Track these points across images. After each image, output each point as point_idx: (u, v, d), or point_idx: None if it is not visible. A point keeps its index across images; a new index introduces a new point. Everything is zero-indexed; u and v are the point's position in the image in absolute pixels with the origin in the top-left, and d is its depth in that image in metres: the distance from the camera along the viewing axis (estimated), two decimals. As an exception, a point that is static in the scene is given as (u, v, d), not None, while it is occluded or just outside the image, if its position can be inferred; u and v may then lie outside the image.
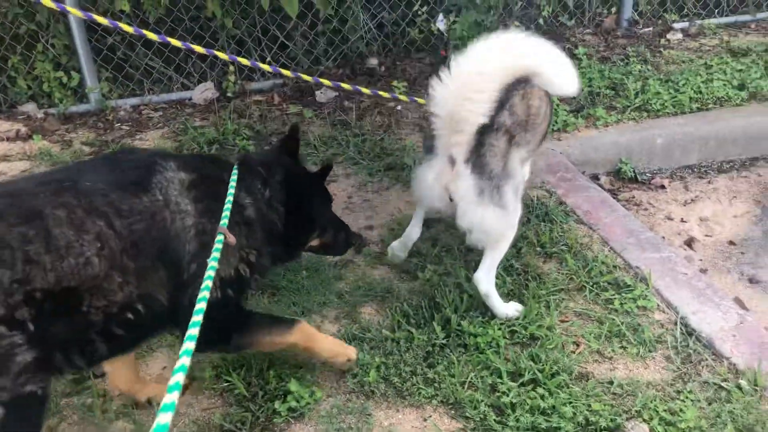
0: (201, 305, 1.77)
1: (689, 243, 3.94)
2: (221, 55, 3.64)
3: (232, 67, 5.43)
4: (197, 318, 1.71)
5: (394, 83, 5.29)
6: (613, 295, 3.09)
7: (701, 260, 3.82)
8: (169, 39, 3.33)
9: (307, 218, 2.66)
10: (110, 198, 2.03)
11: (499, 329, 2.85)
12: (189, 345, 1.58)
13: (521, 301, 3.01)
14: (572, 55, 5.64)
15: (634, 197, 4.40)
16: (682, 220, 4.16)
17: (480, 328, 2.85)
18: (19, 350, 1.80)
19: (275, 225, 2.48)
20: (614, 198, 4.34)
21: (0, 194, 1.98)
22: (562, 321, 2.98)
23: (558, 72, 2.82)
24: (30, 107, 5.18)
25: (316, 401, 2.57)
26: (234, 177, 2.36)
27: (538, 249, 3.42)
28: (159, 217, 2.11)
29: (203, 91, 5.38)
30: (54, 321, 1.89)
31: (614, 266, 3.29)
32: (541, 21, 5.77)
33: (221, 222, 2.18)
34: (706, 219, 4.17)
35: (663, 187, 4.50)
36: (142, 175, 2.16)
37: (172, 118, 5.15)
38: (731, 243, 3.95)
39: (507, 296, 3.04)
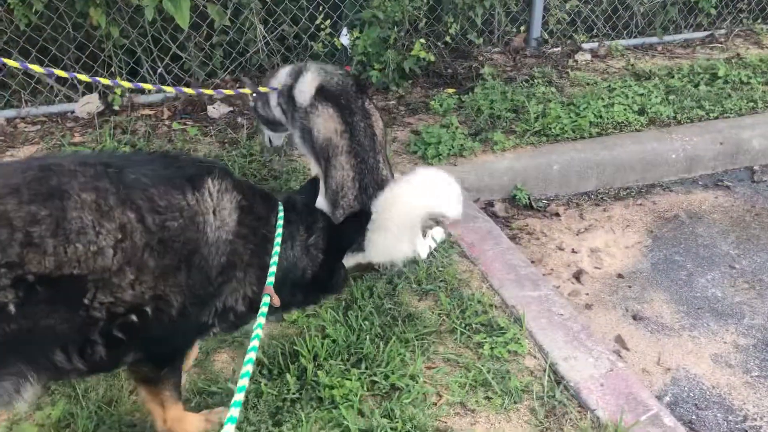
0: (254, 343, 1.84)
1: (578, 276, 3.85)
2: (60, 73, 3.33)
3: (119, 79, 5.11)
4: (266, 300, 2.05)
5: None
6: (485, 338, 2.94)
7: (587, 294, 3.72)
8: (5, 60, 2.99)
9: (337, 266, 2.64)
10: (150, 192, 1.96)
11: (359, 379, 2.66)
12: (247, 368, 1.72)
13: (386, 344, 2.83)
14: (477, 75, 5.54)
15: (527, 225, 4.30)
16: (573, 251, 4.07)
17: (338, 378, 2.65)
18: None
19: (306, 271, 2.46)
20: (507, 226, 4.24)
21: (33, 167, 1.90)
22: (428, 368, 2.81)
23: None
24: None
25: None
26: (281, 219, 2.34)
27: (414, 286, 3.25)
28: (200, 219, 2.04)
29: (86, 104, 5.04)
30: (48, 310, 1.78)
31: (490, 305, 3.15)
32: (448, 39, 5.64)
33: (268, 280, 2.16)
34: (597, 250, 4.09)
35: (558, 215, 4.41)
36: (197, 175, 2.10)
37: (49, 132, 4.79)
38: (620, 276, 3.87)
39: (373, 341, 2.85)
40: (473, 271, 3.41)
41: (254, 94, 3.76)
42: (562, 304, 3.18)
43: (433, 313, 3.09)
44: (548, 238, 4.18)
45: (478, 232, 3.71)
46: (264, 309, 2.05)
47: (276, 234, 2.28)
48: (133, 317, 1.92)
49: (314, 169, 3.59)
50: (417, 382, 2.69)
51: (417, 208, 3.19)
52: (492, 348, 2.89)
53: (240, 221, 2.17)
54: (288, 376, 2.64)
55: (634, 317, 3.55)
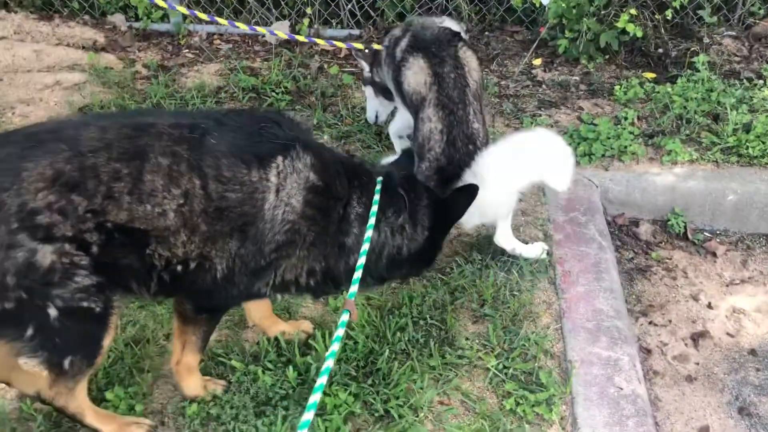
0: (338, 335, 1.96)
1: (697, 338, 3.24)
2: None
3: (309, 9, 5.22)
4: (344, 318, 2.02)
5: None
6: (516, 389, 2.63)
7: (697, 364, 3.12)
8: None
9: (442, 240, 2.64)
10: (220, 162, 2.09)
11: (356, 394, 2.56)
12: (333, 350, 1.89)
13: (402, 364, 2.67)
14: (690, 63, 4.70)
15: (670, 259, 3.67)
16: (709, 306, 3.41)
17: (337, 386, 2.57)
18: (80, 268, 1.98)
19: (410, 248, 2.48)
20: (646, 254, 3.68)
21: (129, 124, 2.10)
22: (441, 403, 2.61)
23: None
24: (118, 18, 5.39)
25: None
26: (376, 196, 2.34)
27: (475, 305, 2.99)
28: (259, 195, 2.13)
29: (276, 30, 5.24)
30: (120, 251, 2.04)
31: (545, 352, 2.79)
32: (670, 13, 4.81)
33: (349, 292, 2.14)
34: (741, 311, 3.39)
35: (714, 254, 3.70)
36: (268, 152, 2.16)
37: (237, 53, 5.10)
38: (752, 352, 3.18)
39: (393, 357, 2.71)
40: (551, 304, 3.03)
41: (371, 63, 3.60)
42: (630, 376, 2.71)
43: (476, 342, 2.83)
44: (687, 282, 3.55)
45: (583, 260, 3.26)
46: (344, 318, 2.03)
47: (370, 213, 2.30)
48: (179, 268, 2.13)
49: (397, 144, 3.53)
50: (417, 417, 2.52)
51: (515, 173, 2.97)
52: (518, 403, 2.58)
53: (307, 202, 2.19)
54: (290, 369, 2.63)
55: (741, 410, 2.92)
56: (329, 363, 1.85)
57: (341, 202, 2.30)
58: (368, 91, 3.95)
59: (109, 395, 2.52)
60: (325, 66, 4.89)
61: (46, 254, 1.92)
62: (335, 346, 1.91)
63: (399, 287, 3.04)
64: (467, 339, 2.84)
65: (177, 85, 4.64)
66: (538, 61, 4.83)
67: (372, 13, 5.23)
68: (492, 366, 2.72)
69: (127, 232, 2.02)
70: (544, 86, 4.62)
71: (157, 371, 2.66)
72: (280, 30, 5.18)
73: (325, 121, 4.27)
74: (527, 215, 3.56)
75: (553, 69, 4.80)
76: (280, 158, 2.17)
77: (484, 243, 3.33)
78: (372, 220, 2.29)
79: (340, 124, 4.24)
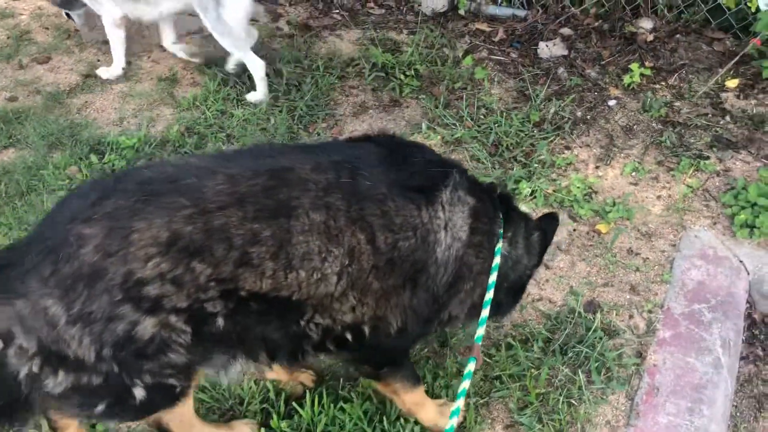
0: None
1: None
2: None
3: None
4: (470, 367, 1.78)
5: (634, 67, 3.88)
6: None
7: None
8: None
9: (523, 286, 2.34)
10: (386, 206, 1.80)
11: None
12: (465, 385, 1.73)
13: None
14: None
15: (827, 392, 2.72)
16: None
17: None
18: (180, 344, 1.67)
19: (525, 272, 2.27)
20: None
21: (263, 171, 1.73)
22: None
23: None
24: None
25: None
26: (501, 221, 2.10)
27: (513, 405, 2.40)
28: (432, 238, 1.86)
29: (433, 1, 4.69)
30: (259, 320, 1.75)
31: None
32: None
33: (477, 335, 1.90)
34: None
35: None
36: (432, 184, 1.90)
37: (386, 20, 4.65)
38: None
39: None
40: (617, 430, 2.34)
41: None
42: None
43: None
44: (841, 432, 2.60)
45: (684, 375, 2.48)
46: (470, 368, 1.79)
47: (498, 236, 2.05)
48: (348, 335, 1.86)
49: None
50: None
51: None
52: None
53: (473, 230, 1.95)
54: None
55: None
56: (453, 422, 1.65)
57: (493, 221, 2.06)
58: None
59: None
60: (474, 51, 4.28)
61: (147, 327, 1.60)
62: (460, 402, 1.69)
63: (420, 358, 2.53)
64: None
65: (310, 50, 4.33)
66: (732, 83, 3.81)
67: (544, -6, 4.46)
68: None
69: (269, 302, 1.69)
70: (729, 117, 3.63)
71: None
72: (437, 1, 4.64)
73: (442, 119, 3.72)
74: (636, 293, 2.81)
75: (750, 96, 3.76)
76: (444, 190, 1.90)
77: (562, 318, 2.68)
78: (500, 244, 2.04)
79: (457, 125, 3.67)
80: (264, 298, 1.67)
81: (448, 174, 1.94)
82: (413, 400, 2.21)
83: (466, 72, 4.03)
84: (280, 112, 3.78)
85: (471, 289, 2.03)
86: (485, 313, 1.94)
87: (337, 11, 4.80)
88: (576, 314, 2.68)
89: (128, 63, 4.20)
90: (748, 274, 2.88)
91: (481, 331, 1.90)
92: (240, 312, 1.68)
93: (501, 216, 2.10)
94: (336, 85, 4.04)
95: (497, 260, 2.02)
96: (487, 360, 2.53)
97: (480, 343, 1.89)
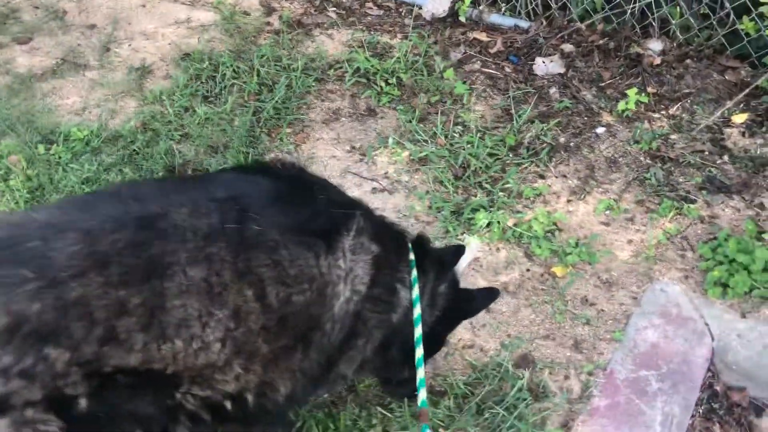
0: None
1: None
2: None
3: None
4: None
5: (631, 93, 3.53)
6: None
7: None
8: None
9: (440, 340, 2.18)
10: (279, 255, 1.55)
11: None
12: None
13: None
14: None
15: (789, 486, 2.37)
16: None
17: None
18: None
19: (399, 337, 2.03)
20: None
21: (129, 222, 1.46)
22: None
23: None
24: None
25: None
26: (413, 268, 1.87)
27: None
28: (330, 291, 1.64)
29: (434, 4, 4.41)
30: (128, 395, 1.49)
31: None
32: None
33: (420, 400, 1.69)
34: None
35: None
36: (334, 228, 1.68)
37: (382, 23, 4.40)
38: None
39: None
40: None
41: None
42: None
43: None
44: None
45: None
46: None
47: (411, 284, 1.84)
48: (228, 405, 1.62)
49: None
50: None
51: None
52: None
53: (374, 280, 1.73)
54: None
55: None
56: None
57: (395, 270, 1.85)
58: None
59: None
60: (467, 62, 4.00)
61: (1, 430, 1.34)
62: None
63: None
64: None
65: (295, 49, 4.12)
66: (740, 117, 3.43)
67: (551, 4, 4.13)
68: None
69: (140, 375, 1.44)
70: (728, 157, 3.26)
71: None
72: (437, 4, 4.37)
73: (414, 134, 3.46)
74: (579, 350, 2.51)
75: (757, 135, 3.37)
76: (345, 234, 1.68)
77: (488, 372, 2.40)
78: (416, 291, 1.83)
79: (428, 142, 3.41)
80: (133, 372, 1.43)
81: (352, 217, 1.73)
82: None
83: (449, 85, 3.75)
84: (246, 113, 3.58)
85: (363, 346, 1.84)
86: (421, 373, 1.75)
87: (335, 8, 4.57)
88: (503, 369, 2.40)
89: (107, 50, 4.08)
90: (713, 339, 2.55)
91: (423, 395, 1.70)
92: (106, 388, 1.42)
93: (411, 263, 1.89)
94: (312, 89, 3.82)
95: (417, 311, 1.83)
96: (388, 414, 2.28)
97: (427, 409, 1.71)
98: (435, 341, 2.09)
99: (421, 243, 2.04)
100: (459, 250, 2.16)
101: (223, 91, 3.75)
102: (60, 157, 3.29)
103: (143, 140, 3.40)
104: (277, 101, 3.65)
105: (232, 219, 1.53)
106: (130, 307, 1.38)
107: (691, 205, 3.01)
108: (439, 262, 2.05)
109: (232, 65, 3.85)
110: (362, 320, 1.75)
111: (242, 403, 1.64)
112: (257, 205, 1.60)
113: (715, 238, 2.83)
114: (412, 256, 1.92)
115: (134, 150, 3.36)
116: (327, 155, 3.43)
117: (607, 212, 3.04)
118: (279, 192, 1.68)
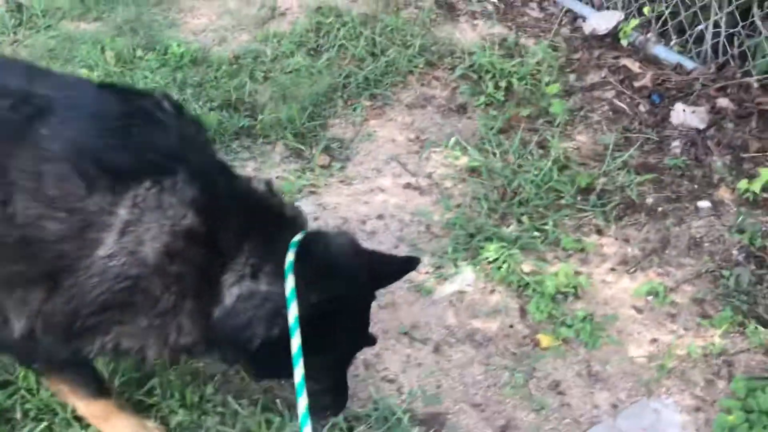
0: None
1: None
2: None
3: (647, 9, 3.68)
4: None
5: (764, 172, 2.77)
6: None
7: None
8: None
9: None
10: (45, 168, 1.41)
11: None
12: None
13: None
14: None
15: None
16: None
17: None
18: None
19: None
20: None
21: None
22: None
23: None
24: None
25: None
26: (289, 264, 1.59)
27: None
28: (92, 236, 1.43)
29: (598, 20, 3.87)
30: None
31: None
32: None
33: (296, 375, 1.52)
34: None
35: None
36: (131, 168, 1.46)
37: (532, 26, 3.97)
38: None
39: None
40: None
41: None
42: None
43: None
44: None
45: None
46: None
47: (288, 292, 1.55)
48: None
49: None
50: None
51: None
52: None
53: (170, 252, 1.47)
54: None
55: None
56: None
57: (227, 258, 1.56)
58: None
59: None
60: (599, 88, 3.46)
61: None
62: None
63: None
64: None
65: (426, 28, 3.86)
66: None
67: (729, 49, 3.39)
68: None
69: None
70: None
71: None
72: (602, 20, 3.83)
73: (486, 142, 3.06)
74: (505, 436, 2.03)
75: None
76: (147, 183, 1.44)
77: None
78: (290, 284, 1.55)
79: (495, 155, 2.99)
80: None
81: (171, 172, 1.45)
82: (92, 412, 1.85)
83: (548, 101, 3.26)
84: (338, 75, 3.42)
85: (149, 327, 1.54)
86: (301, 406, 1.48)
87: (495, 0, 4.22)
88: (400, 419, 2.01)
89: None
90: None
91: (301, 384, 1.49)
92: None
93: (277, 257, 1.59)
94: (417, 70, 3.55)
95: (294, 313, 1.52)
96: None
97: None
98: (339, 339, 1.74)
99: (320, 240, 1.72)
100: (408, 264, 1.84)
101: (330, 49, 3.63)
102: (146, 64, 3.41)
103: (226, 71, 3.40)
104: (371, 71, 3.45)
105: (25, 111, 1.41)
106: None
107: (762, 329, 2.28)
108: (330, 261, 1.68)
109: (351, 25, 3.71)
110: (147, 294, 1.48)
111: None
112: (67, 112, 1.45)
113: (765, 379, 2.12)
114: (290, 255, 1.59)
115: (214, 77, 3.38)
116: (387, 137, 3.17)
117: (650, 297, 2.43)
118: (108, 113, 1.51)
